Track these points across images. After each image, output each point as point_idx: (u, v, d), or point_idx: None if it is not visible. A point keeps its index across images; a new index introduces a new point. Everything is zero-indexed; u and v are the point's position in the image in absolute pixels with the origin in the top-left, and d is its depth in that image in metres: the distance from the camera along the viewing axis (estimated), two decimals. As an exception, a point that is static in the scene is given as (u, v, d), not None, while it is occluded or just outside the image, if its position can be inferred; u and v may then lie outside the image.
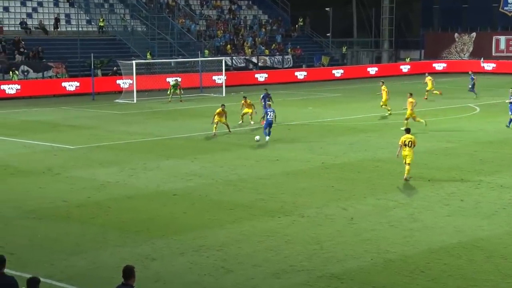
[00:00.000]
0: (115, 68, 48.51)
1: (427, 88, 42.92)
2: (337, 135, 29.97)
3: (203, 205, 18.51)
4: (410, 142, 20.95)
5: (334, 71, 61.01)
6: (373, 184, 20.78)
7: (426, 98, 42.20)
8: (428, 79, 43.16)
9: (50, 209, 18.00)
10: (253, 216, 17.36)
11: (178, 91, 42.90)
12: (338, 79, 59.56)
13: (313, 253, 14.62)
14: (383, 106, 35.96)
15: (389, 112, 35.72)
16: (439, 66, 66.71)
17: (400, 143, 21.14)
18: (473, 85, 43.84)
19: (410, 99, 30.59)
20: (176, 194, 19.58)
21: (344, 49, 67.26)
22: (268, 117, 28.27)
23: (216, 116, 29.47)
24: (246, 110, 33.03)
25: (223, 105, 30.21)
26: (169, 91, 42.82)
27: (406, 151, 20.90)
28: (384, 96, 35.78)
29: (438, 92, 42.70)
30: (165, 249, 14.85)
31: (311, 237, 15.66)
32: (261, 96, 33.87)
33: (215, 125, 29.42)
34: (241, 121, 33.09)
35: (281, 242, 15.30)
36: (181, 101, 42.25)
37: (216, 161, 24.17)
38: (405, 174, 21.02)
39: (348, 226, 16.55)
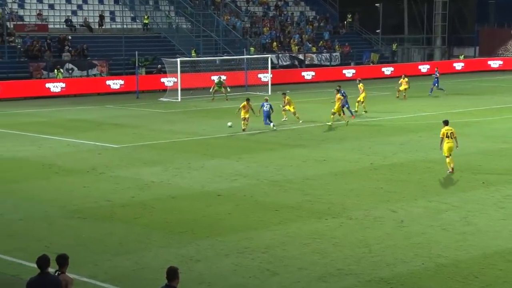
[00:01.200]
0: (159, 66, 48.98)
1: (400, 88, 42.89)
2: (387, 135, 29.73)
3: (248, 206, 18.56)
4: (451, 133, 21.78)
5: (383, 69, 60.48)
6: (424, 185, 20.55)
7: (398, 97, 42.75)
8: (404, 81, 42.77)
9: (94, 208, 18.26)
10: (299, 218, 17.34)
11: (223, 89, 43.08)
12: (387, 77, 58.99)
13: (361, 257, 14.54)
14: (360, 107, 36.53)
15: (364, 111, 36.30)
16: (494, 63, 65.57)
17: (441, 135, 21.89)
18: (437, 81, 43.61)
19: (338, 95, 32.19)
20: (220, 194, 19.67)
21: (394, 46, 66.63)
22: (264, 108, 30.94)
23: (242, 111, 30.42)
24: (287, 107, 33.17)
25: (248, 99, 31.16)
26: (212, 89, 42.99)
27: (450, 143, 21.68)
28: (362, 95, 36.73)
29: (403, 96, 42.16)
30: (210, 250, 14.93)
31: (359, 240, 15.57)
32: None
33: (242, 121, 30.26)
34: (285, 118, 33.35)
35: (328, 245, 15.26)
36: (226, 99, 42.45)
37: (261, 161, 24.21)
38: (449, 167, 21.73)
39: (398, 229, 16.41)
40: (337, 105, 32.01)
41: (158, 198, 19.29)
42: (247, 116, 30.48)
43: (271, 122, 30.88)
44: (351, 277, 13.48)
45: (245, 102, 30.76)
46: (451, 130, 21.88)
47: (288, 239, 15.67)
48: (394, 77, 58.48)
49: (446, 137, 21.73)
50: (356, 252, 14.82)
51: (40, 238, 15.74)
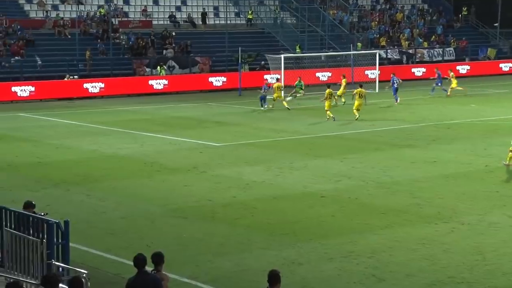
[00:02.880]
0: (262, 62, 49.33)
1: (452, 86, 42.33)
2: (503, 135, 28.75)
3: (352, 208, 18.43)
4: None
5: (501, 65, 58.57)
6: (545, 190, 19.80)
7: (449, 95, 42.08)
8: (451, 75, 42.40)
9: (195, 208, 18.59)
10: (408, 222, 17.07)
11: (302, 91, 42.04)
12: (506, 73, 57.13)
13: (474, 264, 14.16)
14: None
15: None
16: None
17: None
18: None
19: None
20: (324, 195, 19.63)
21: (513, 40, 64.43)
22: (262, 91, 37.54)
23: (326, 101, 32.76)
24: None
25: (329, 86, 34.29)
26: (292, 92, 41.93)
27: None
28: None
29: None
30: (312, 253, 14.93)
31: (472, 247, 15.17)
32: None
33: (327, 112, 32.69)
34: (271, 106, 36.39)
35: (438, 251, 14.94)
36: (295, 96, 41.72)
37: (367, 162, 24.01)
38: (507, 160, 22.10)
39: (514, 236, 15.88)
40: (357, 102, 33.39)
41: (259, 198, 19.45)
42: (330, 105, 33.09)
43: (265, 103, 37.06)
44: (464, 285, 13.16)
45: (328, 90, 33.20)
46: None
47: (395, 244, 15.46)
48: (512, 74, 56.67)
49: None
50: (468, 259, 14.45)
51: (141, 236, 16.17)
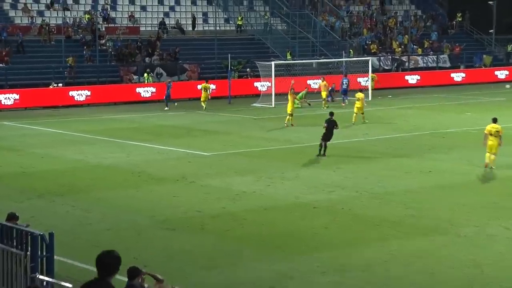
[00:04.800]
0: (248, 69, 49.44)
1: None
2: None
3: (346, 219, 18.36)
4: (496, 132, 23.64)
5: (497, 72, 58.77)
6: (543, 201, 19.77)
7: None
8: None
9: (184, 219, 18.48)
10: (403, 234, 16.99)
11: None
12: (501, 81, 57.30)
13: (472, 278, 14.09)
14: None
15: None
16: None
17: (486, 132, 23.88)
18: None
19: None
20: (316, 206, 19.54)
21: (509, 47, 64.60)
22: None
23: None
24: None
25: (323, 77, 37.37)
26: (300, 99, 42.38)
27: (491, 140, 23.59)
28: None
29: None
30: (305, 267, 14.81)
31: (469, 260, 15.10)
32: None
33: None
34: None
35: (435, 264, 14.86)
36: (309, 104, 42.20)
37: (360, 172, 23.96)
38: (486, 161, 23.53)
39: (512, 248, 15.82)
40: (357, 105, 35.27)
41: (250, 209, 19.35)
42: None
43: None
44: (460, 300, 13.06)
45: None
46: (496, 128, 23.78)
47: (389, 257, 15.37)
48: (508, 81, 56.80)
49: (490, 134, 23.66)
50: (465, 272, 14.37)
51: (128, 248, 15.95)
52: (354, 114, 35.14)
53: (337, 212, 19.03)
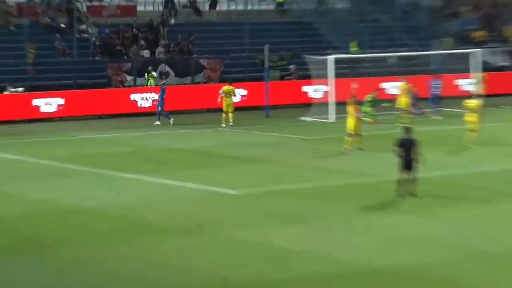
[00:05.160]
0: (291, 66, 49.28)
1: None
2: None
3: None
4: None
5: None
6: None
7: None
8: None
9: (200, 291, 18.36)
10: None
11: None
12: None
13: None
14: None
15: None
16: None
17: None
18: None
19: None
20: (400, 272, 19.17)
21: None
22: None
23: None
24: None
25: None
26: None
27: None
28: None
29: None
30: None
31: None
32: None
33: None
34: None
35: None
36: (422, 113, 43.23)
37: (465, 219, 23.96)
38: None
39: None
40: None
41: (298, 276, 19.06)
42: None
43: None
44: None
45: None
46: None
47: None
48: None
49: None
50: None
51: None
52: (468, 132, 34.53)
53: (434, 283, 18.57)
